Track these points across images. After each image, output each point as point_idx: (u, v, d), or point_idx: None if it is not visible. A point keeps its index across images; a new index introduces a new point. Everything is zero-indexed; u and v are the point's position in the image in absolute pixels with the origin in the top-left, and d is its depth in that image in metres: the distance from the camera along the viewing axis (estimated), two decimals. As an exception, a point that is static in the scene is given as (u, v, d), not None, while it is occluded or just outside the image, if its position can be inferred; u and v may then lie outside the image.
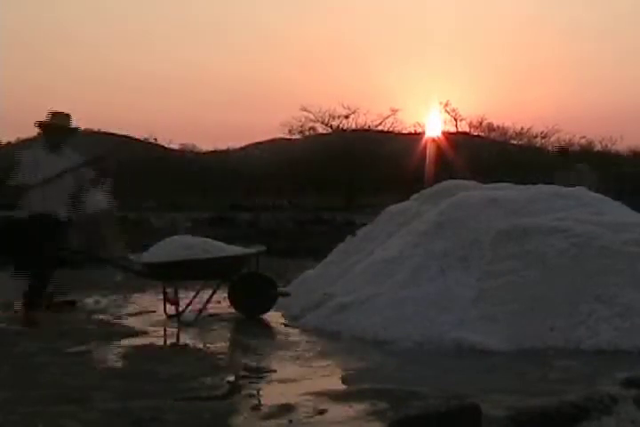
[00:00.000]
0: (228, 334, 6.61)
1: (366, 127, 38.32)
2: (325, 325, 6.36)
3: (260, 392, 4.56)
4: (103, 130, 45.35)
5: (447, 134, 35.32)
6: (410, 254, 6.71)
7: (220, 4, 77.23)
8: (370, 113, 42.64)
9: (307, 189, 35.28)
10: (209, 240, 7.09)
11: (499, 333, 5.68)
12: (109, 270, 8.99)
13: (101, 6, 77.04)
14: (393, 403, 4.07)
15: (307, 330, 6.40)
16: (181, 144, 44.22)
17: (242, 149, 47.25)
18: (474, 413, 3.49)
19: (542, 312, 5.82)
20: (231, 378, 4.85)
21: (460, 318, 5.90)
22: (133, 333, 6.38)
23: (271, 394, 4.50)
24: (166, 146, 42.64)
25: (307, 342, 6.00)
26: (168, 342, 6.24)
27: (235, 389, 4.60)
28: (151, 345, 5.95)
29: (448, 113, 38.07)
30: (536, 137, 37.84)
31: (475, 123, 38.22)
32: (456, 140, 34.23)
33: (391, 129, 39.24)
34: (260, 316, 7.07)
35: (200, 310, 6.85)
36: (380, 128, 38.77)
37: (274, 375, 4.94)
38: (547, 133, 37.51)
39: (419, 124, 38.20)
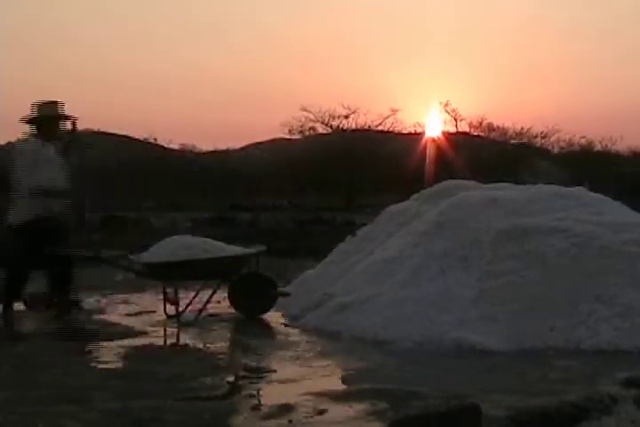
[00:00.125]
0: (228, 334, 6.61)
1: (366, 127, 38.33)
2: (325, 325, 6.36)
3: (260, 392, 4.56)
4: (103, 130, 45.34)
5: (447, 134, 35.32)
6: (410, 254, 6.72)
7: (220, 3, 77.23)
8: (370, 113, 42.60)
9: (307, 189, 35.29)
10: (209, 240, 7.09)
11: (499, 333, 5.68)
12: (109, 270, 9.01)
13: (101, 6, 77.03)
14: (393, 403, 4.07)
15: (307, 330, 6.40)
16: (181, 144, 44.19)
17: (242, 149, 47.25)
18: (474, 413, 3.49)
19: (542, 312, 5.82)
20: (231, 378, 4.85)
21: (460, 318, 5.90)
22: (133, 333, 6.38)
23: (271, 394, 4.50)
24: (166, 146, 42.63)
25: (307, 342, 6.00)
26: (168, 342, 6.24)
27: (235, 389, 4.60)
28: (151, 345, 5.95)
29: (448, 113, 38.08)
30: (536, 137, 37.84)
31: (475, 123, 38.23)
32: (456, 140, 34.23)
33: (391, 129, 39.26)
34: (260, 316, 7.07)
35: (200, 310, 6.85)
36: (380, 128, 38.78)
37: (274, 375, 4.94)
38: (547, 133, 37.51)
39: (419, 124, 38.22)
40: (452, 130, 38.05)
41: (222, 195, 32.54)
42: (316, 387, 4.57)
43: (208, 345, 5.98)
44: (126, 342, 6.00)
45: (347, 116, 37.88)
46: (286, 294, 7.17)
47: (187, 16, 75.49)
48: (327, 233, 14.57)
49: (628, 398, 3.79)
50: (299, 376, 4.94)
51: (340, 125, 38.24)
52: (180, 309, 6.79)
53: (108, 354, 5.55)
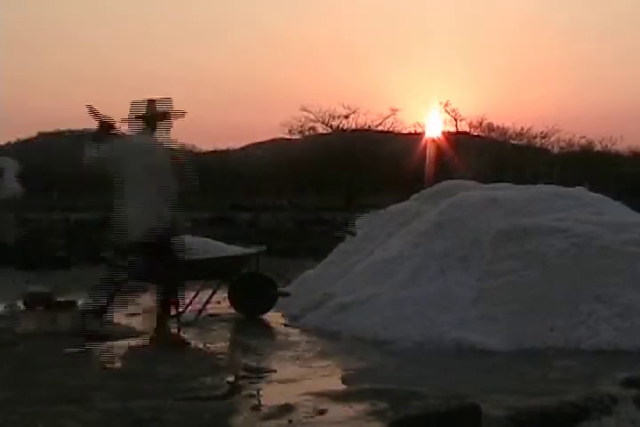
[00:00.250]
0: (228, 334, 6.61)
1: (366, 127, 38.31)
2: (325, 325, 6.36)
3: (260, 392, 4.56)
4: (103, 130, 45.26)
5: (447, 134, 35.31)
6: (410, 254, 6.72)
7: (220, 4, 77.25)
8: (370, 113, 42.60)
9: (307, 189, 35.28)
10: (209, 240, 7.09)
11: (499, 333, 5.68)
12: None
13: (101, 6, 77.05)
14: (393, 403, 4.07)
15: (307, 330, 6.40)
16: (181, 144, 44.10)
17: (242, 149, 47.23)
18: (474, 413, 3.49)
19: (542, 312, 5.82)
20: (231, 378, 4.85)
21: (460, 318, 5.90)
22: (133, 333, 6.38)
23: (271, 394, 4.50)
24: (166, 146, 42.52)
25: (307, 342, 6.00)
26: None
27: (235, 389, 4.60)
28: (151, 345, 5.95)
29: (448, 113, 38.05)
30: (536, 137, 37.83)
31: (475, 123, 38.21)
32: (456, 140, 34.23)
33: (391, 129, 39.23)
34: (260, 316, 7.07)
35: (200, 310, 6.85)
36: (380, 128, 38.76)
37: (274, 375, 4.94)
38: (547, 133, 37.49)
39: (419, 124, 38.18)
40: (452, 130, 38.05)
41: (222, 195, 32.53)
42: (316, 387, 4.57)
43: (208, 345, 5.98)
44: (126, 342, 6.00)
45: (347, 116, 37.87)
46: (286, 294, 7.17)
47: (186, 16, 75.52)
48: (327, 233, 14.56)
49: (628, 398, 3.79)
50: (299, 376, 4.94)
51: (340, 125, 38.24)
52: (180, 309, 6.79)
53: (108, 354, 5.54)
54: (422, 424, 3.37)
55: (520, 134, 37.80)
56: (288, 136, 40.20)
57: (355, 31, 69.77)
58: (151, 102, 5.79)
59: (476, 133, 38.80)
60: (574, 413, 3.58)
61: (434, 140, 31.20)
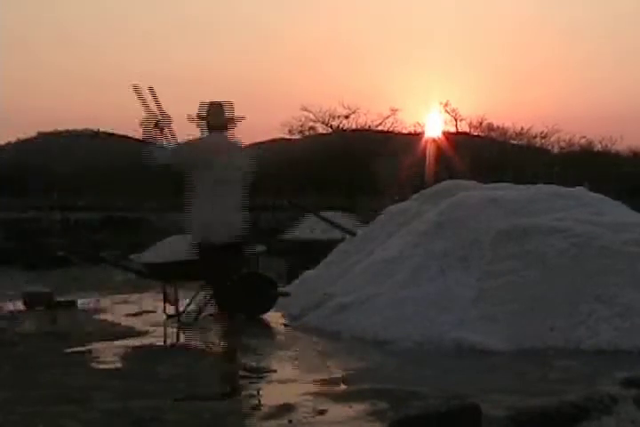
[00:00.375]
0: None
1: (366, 127, 38.28)
2: (325, 325, 6.36)
3: (260, 392, 4.56)
4: (103, 130, 45.40)
5: (447, 134, 35.29)
6: (410, 254, 6.71)
7: (220, 4, 77.23)
8: (370, 113, 42.48)
9: (307, 189, 35.25)
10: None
11: (499, 333, 5.68)
12: (109, 270, 9.02)
13: (101, 7, 77.03)
14: (393, 403, 4.07)
15: (307, 330, 6.40)
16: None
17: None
18: (474, 413, 3.49)
19: (542, 312, 5.82)
20: (231, 378, 4.84)
21: (460, 318, 5.90)
22: (133, 333, 6.39)
23: (271, 394, 4.50)
24: (166, 146, 42.55)
25: (307, 342, 6.00)
26: (168, 342, 6.24)
27: (235, 389, 4.60)
28: (151, 345, 5.95)
29: (448, 113, 38.01)
30: (536, 137, 37.79)
31: (475, 123, 38.15)
32: (456, 140, 34.20)
33: (391, 129, 39.20)
34: (260, 316, 7.07)
35: (200, 310, 6.84)
36: (380, 128, 38.72)
37: (274, 375, 4.94)
38: (547, 133, 37.46)
39: (419, 124, 38.15)
40: (452, 130, 38.02)
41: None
42: (316, 387, 4.57)
43: (208, 345, 5.97)
44: (126, 342, 6.01)
45: (347, 116, 37.81)
46: (286, 294, 7.17)
47: (186, 16, 75.48)
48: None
49: (628, 398, 3.79)
50: (299, 376, 4.95)
51: (340, 125, 38.19)
52: (180, 309, 6.79)
53: (108, 354, 5.55)
54: (422, 424, 3.37)
55: (520, 134, 37.76)
56: (288, 136, 40.18)
57: (355, 31, 69.76)
58: (221, 107, 5.59)
59: (475, 133, 38.80)
60: (574, 413, 3.58)
61: (434, 140, 31.18)
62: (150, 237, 8.64)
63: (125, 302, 8.16)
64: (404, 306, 6.11)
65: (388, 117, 38.27)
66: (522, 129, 37.64)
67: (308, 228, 10.26)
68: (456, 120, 38.28)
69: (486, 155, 34.83)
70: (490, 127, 38.15)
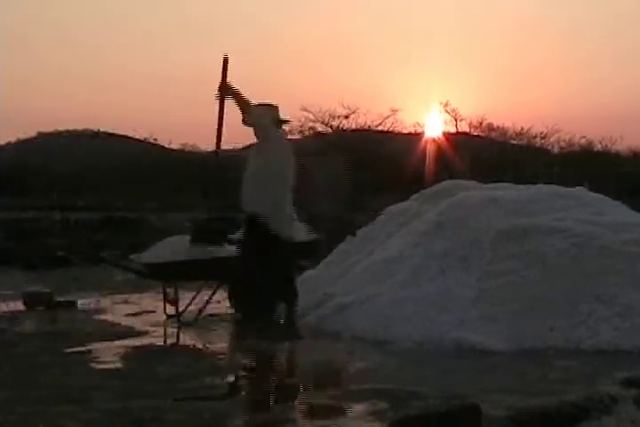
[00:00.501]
0: (228, 335, 6.61)
1: (366, 127, 38.29)
2: (325, 325, 6.36)
3: (260, 392, 4.56)
4: (103, 130, 45.40)
5: (447, 134, 35.31)
6: (410, 254, 6.71)
7: (220, 4, 77.17)
8: (370, 113, 42.53)
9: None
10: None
11: (499, 333, 5.68)
12: (109, 270, 9.02)
13: (101, 7, 76.98)
14: (393, 403, 4.07)
15: (307, 330, 6.39)
16: (181, 144, 44.15)
17: (243, 148, 47.20)
18: (474, 413, 3.49)
19: (542, 312, 5.82)
20: (231, 378, 4.85)
21: (460, 318, 5.90)
22: (133, 333, 6.39)
23: (271, 394, 4.50)
24: (166, 146, 42.62)
25: (307, 342, 6.00)
26: (168, 342, 6.24)
27: (235, 389, 4.60)
28: (151, 345, 5.95)
29: (448, 113, 38.02)
30: (536, 137, 37.80)
31: (475, 123, 38.15)
32: (456, 140, 34.21)
33: (391, 129, 39.21)
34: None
35: (200, 310, 6.85)
36: (380, 128, 38.73)
37: (274, 375, 4.93)
38: (547, 133, 37.47)
39: (419, 125, 38.16)
40: (452, 130, 38.03)
41: (222, 195, 32.50)
42: (316, 387, 4.57)
43: (208, 345, 5.98)
44: (126, 342, 6.01)
45: (347, 116, 37.82)
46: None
47: (186, 16, 75.44)
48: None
49: (628, 398, 3.79)
50: (299, 376, 4.95)
51: (340, 125, 38.21)
52: (180, 309, 6.79)
53: (108, 354, 5.55)
54: (422, 424, 3.37)
55: (520, 134, 37.77)
56: (288, 136, 40.21)
57: (355, 31, 69.73)
58: (276, 108, 6.40)
59: (476, 133, 38.80)
60: (574, 413, 3.58)
61: (434, 140, 31.21)
62: (150, 237, 8.65)
63: (125, 302, 8.16)
64: (404, 306, 6.11)
65: (388, 117, 38.27)
66: (522, 129, 37.63)
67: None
68: (456, 120, 38.27)
69: (486, 155, 34.84)
70: (490, 127, 38.14)
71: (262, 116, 6.22)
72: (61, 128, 46.09)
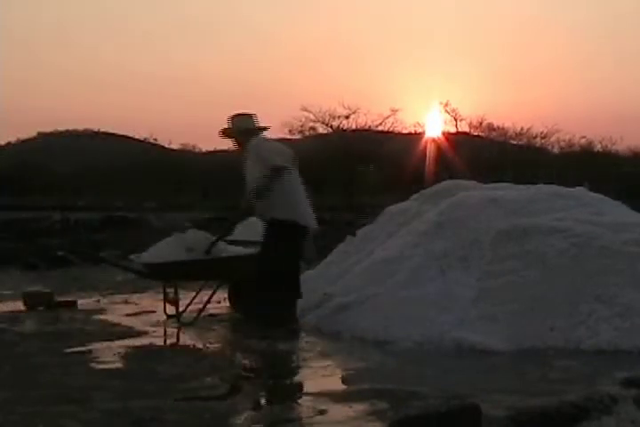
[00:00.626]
0: (228, 334, 6.61)
1: (366, 127, 38.32)
2: (325, 325, 6.36)
3: (260, 392, 4.56)
4: (103, 130, 45.44)
5: (447, 134, 35.35)
6: (410, 254, 6.71)
7: (220, 4, 77.18)
8: (370, 113, 42.56)
9: (306, 188, 35.28)
10: (210, 237, 7.07)
11: (499, 333, 5.68)
12: (109, 270, 9.02)
13: (101, 7, 77.03)
14: (393, 403, 4.07)
15: (307, 330, 6.40)
16: (181, 144, 44.19)
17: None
18: (474, 413, 3.49)
19: (542, 312, 5.82)
20: (231, 378, 4.85)
21: (460, 318, 5.90)
22: (133, 333, 6.39)
23: (271, 394, 4.50)
24: (166, 146, 42.65)
25: (307, 342, 6.00)
26: (168, 342, 6.24)
27: (235, 389, 4.60)
28: (151, 345, 5.95)
29: (448, 113, 38.05)
30: (536, 137, 37.83)
31: (475, 123, 38.20)
32: (456, 140, 34.24)
33: (391, 129, 39.24)
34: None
35: (200, 310, 6.85)
36: (380, 128, 38.76)
37: (274, 376, 4.93)
38: (547, 133, 37.49)
39: (419, 124, 38.21)
40: (452, 130, 38.05)
41: (222, 195, 32.53)
42: (316, 387, 4.57)
43: (208, 345, 5.98)
44: (126, 342, 6.00)
45: (347, 117, 37.87)
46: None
47: (186, 17, 75.48)
48: (327, 233, 14.56)
49: (628, 398, 3.79)
50: (299, 376, 4.95)
51: (340, 125, 38.23)
52: (180, 309, 6.79)
53: (108, 354, 5.55)
54: (422, 424, 3.37)
55: (520, 134, 37.82)
56: (288, 136, 40.23)
57: (355, 31, 69.77)
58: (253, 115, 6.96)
59: (476, 133, 38.82)
60: (574, 413, 3.58)
61: (434, 140, 31.24)
62: (150, 237, 8.64)
63: (125, 302, 8.16)
64: (404, 306, 6.11)
65: (388, 117, 38.34)
66: (522, 129, 37.72)
67: None
68: (456, 120, 38.33)
69: (486, 155, 34.89)
70: (490, 127, 38.22)
71: (240, 126, 6.89)
72: (61, 128, 46.17)
